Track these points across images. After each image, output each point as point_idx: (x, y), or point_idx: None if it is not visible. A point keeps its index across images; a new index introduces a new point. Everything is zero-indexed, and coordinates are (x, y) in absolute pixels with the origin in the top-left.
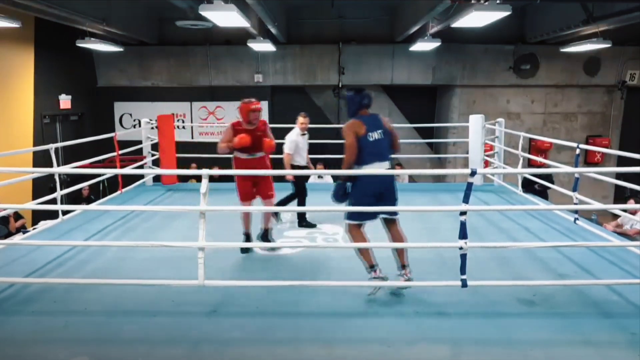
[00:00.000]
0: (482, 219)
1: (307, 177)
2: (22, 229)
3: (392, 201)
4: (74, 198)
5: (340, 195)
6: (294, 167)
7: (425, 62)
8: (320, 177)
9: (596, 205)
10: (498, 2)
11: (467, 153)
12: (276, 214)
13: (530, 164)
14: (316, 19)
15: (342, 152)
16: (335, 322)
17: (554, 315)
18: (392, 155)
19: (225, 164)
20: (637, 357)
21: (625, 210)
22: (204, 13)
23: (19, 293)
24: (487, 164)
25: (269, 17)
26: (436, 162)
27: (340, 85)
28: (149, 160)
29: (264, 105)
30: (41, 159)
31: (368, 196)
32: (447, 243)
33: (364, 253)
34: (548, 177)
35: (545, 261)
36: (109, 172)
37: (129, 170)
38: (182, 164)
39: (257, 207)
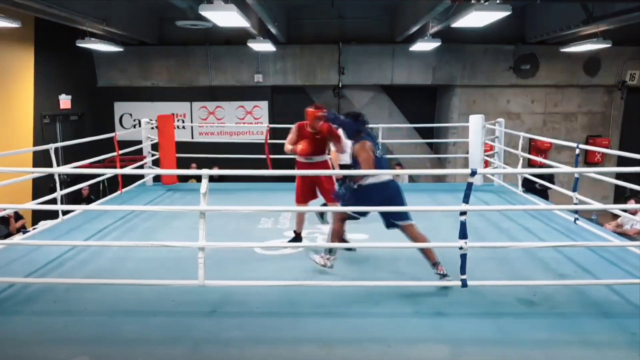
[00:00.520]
0: (482, 219)
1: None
2: (22, 229)
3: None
4: (74, 198)
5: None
6: (341, 166)
7: (425, 62)
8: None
9: (596, 205)
10: (498, 2)
11: (467, 153)
12: (322, 215)
13: (530, 164)
14: (316, 19)
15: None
16: (335, 322)
17: (554, 315)
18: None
19: (225, 164)
20: (637, 357)
21: (625, 210)
22: (204, 13)
23: (19, 293)
24: (487, 164)
25: (269, 17)
26: (436, 162)
27: (340, 85)
28: (149, 160)
29: (264, 105)
30: (41, 159)
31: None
32: (447, 243)
33: (427, 252)
34: (548, 177)
35: (545, 261)
36: (109, 172)
37: (129, 170)
38: (182, 164)
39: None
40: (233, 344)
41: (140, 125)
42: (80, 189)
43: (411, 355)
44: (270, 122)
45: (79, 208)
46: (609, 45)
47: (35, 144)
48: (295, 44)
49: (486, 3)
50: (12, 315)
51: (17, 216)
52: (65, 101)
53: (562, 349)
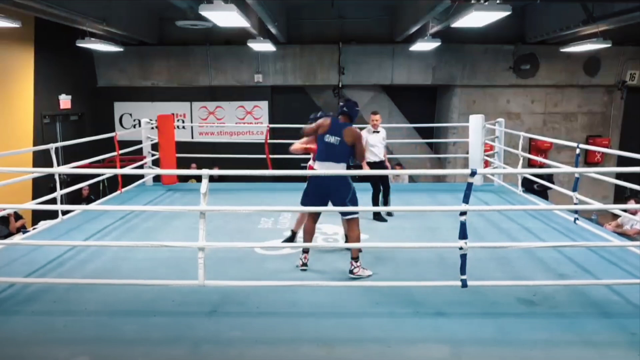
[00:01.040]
0: (482, 219)
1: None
2: (22, 229)
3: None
4: (74, 198)
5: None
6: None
7: (425, 62)
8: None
9: (596, 205)
10: (498, 2)
11: (467, 153)
12: (378, 214)
13: (530, 164)
14: (316, 19)
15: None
16: (335, 322)
17: (554, 315)
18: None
19: (225, 164)
20: (637, 357)
21: (625, 210)
22: (204, 13)
23: (19, 293)
24: (487, 164)
25: (269, 17)
26: (436, 162)
27: (340, 85)
28: (149, 160)
29: (264, 105)
30: (41, 159)
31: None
32: (447, 243)
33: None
34: (548, 177)
35: (545, 261)
36: (109, 172)
37: (129, 170)
38: (182, 164)
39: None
40: (233, 344)
41: (140, 125)
42: (80, 189)
43: (411, 355)
44: (270, 122)
45: (78, 208)
46: (609, 45)
47: (35, 144)
48: (295, 44)
49: (486, 3)
50: (12, 315)
51: (17, 216)
52: (65, 101)
53: (562, 349)
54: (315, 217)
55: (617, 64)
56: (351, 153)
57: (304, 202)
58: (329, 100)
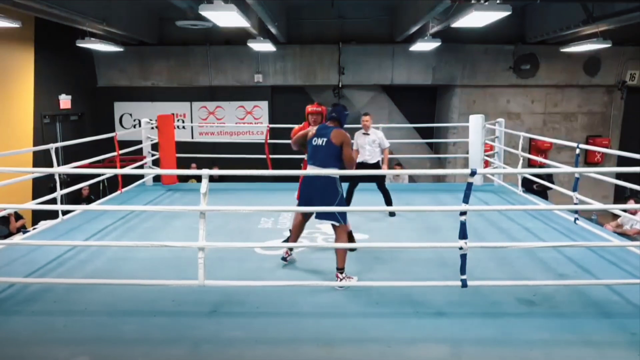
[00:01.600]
0: (482, 219)
1: (383, 177)
2: (22, 229)
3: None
4: (74, 198)
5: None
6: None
7: (425, 62)
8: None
9: (596, 205)
10: (498, 2)
11: (467, 153)
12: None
13: (530, 164)
14: (316, 19)
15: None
16: (335, 322)
17: (554, 315)
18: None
19: (225, 164)
20: (637, 357)
21: (625, 210)
22: (204, 13)
23: (19, 293)
24: (487, 164)
25: (269, 17)
26: (436, 162)
27: (340, 85)
28: (149, 160)
29: (264, 105)
30: (41, 159)
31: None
32: (447, 243)
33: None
34: (548, 177)
35: (545, 261)
36: (109, 172)
37: (129, 170)
38: (182, 164)
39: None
40: (233, 344)
41: (140, 125)
42: (80, 189)
43: (411, 355)
44: (270, 122)
45: (78, 208)
46: (608, 45)
47: (35, 144)
48: (295, 44)
49: (486, 3)
50: (12, 315)
51: (17, 216)
52: (65, 101)
53: (562, 349)
54: (305, 215)
55: (617, 64)
56: (340, 157)
57: (299, 202)
58: (329, 100)
